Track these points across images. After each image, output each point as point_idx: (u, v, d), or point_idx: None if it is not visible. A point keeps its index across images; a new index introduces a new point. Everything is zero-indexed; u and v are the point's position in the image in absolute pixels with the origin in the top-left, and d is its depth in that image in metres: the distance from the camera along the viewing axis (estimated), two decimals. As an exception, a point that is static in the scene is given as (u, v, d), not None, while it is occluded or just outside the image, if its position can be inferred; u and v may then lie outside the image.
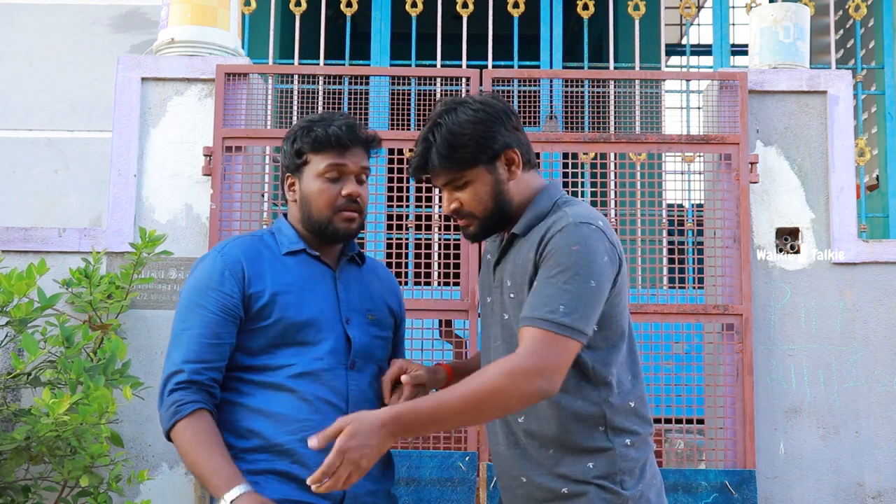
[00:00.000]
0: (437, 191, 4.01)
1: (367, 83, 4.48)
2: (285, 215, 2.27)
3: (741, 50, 7.02)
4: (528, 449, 2.04)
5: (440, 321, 3.84)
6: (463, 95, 2.10)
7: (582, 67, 5.54)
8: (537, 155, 4.08)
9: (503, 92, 4.00)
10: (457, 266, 3.83)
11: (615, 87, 4.14)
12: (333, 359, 2.12)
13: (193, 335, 2.07)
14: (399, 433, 1.82)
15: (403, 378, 2.14)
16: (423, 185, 4.01)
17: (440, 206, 4.01)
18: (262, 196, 3.95)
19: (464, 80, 4.03)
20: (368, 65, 5.71)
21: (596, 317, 1.93)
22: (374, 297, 2.26)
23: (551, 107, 5.49)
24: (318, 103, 4.22)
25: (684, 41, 7.80)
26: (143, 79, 3.94)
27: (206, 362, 2.07)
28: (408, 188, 4.26)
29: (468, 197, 2.05)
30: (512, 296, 2.04)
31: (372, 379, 2.18)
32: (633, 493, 2.00)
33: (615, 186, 4.08)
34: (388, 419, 1.81)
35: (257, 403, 2.09)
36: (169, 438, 2.08)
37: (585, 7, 5.00)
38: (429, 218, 4.04)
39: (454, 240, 3.87)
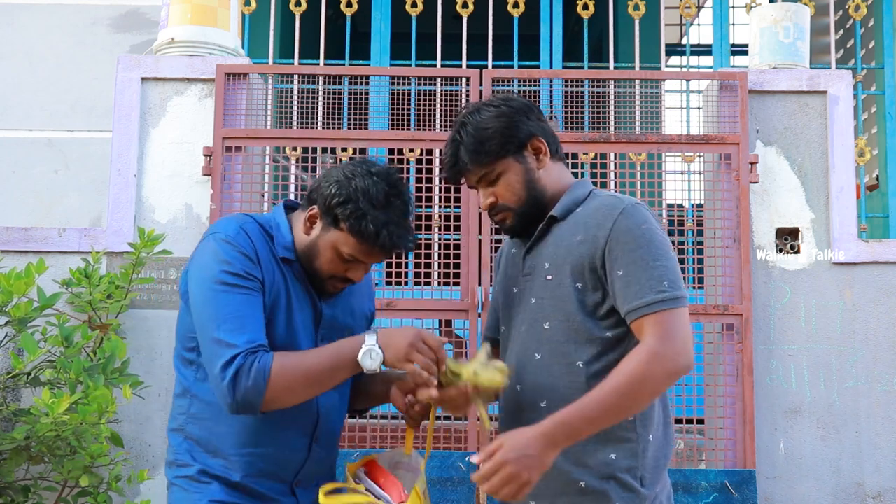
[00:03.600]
0: (437, 190, 4.00)
1: (367, 83, 4.48)
2: (287, 207, 2.18)
3: (741, 50, 7.01)
4: None
5: (440, 321, 3.83)
6: (484, 97, 2.19)
7: (582, 67, 5.54)
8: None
9: (503, 92, 3.99)
10: (457, 266, 3.83)
11: (615, 87, 4.14)
12: None
13: (244, 315, 1.95)
14: (560, 441, 1.86)
15: (409, 399, 2.11)
16: (423, 186, 4.01)
17: (440, 206, 4.01)
18: (262, 196, 3.95)
19: (464, 80, 4.03)
20: (368, 65, 5.70)
21: None
22: (354, 311, 2.23)
23: (551, 107, 5.48)
24: (318, 103, 4.22)
25: (684, 41, 7.80)
26: (143, 79, 3.94)
27: (264, 347, 1.96)
28: (408, 188, 4.25)
29: (502, 189, 2.09)
30: (549, 277, 2.04)
31: (339, 394, 2.17)
32: (650, 493, 1.98)
33: (615, 186, 4.08)
34: (547, 429, 1.85)
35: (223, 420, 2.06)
36: (265, 406, 1.94)
37: (585, 7, 5.00)
38: (429, 218, 4.04)
39: (454, 240, 3.87)
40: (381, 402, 2.29)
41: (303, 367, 1.95)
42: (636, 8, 4.80)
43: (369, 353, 1.94)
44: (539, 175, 2.10)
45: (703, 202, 4.07)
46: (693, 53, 7.11)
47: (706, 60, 7.02)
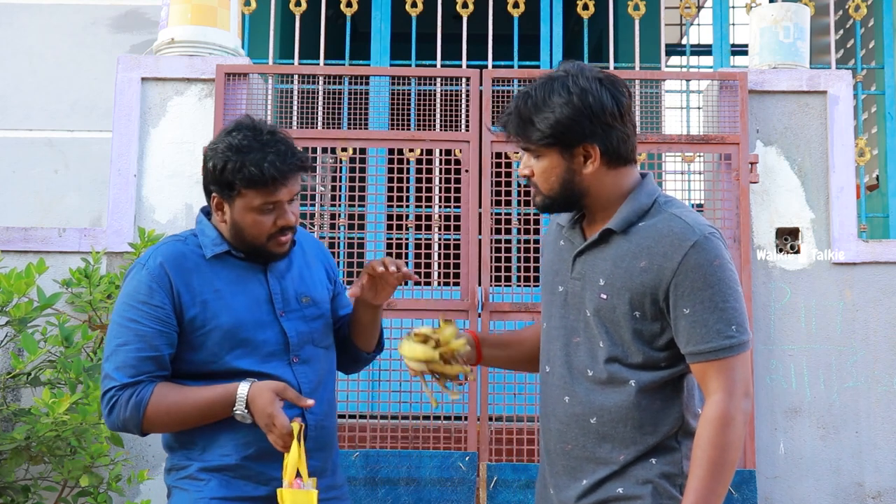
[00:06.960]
0: (436, 191, 4.00)
1: (367, 83, 4.48)
2: (206, 213, 2.25)
3: (741, 50, 7.00)
4: (599, 449, 1.98)
5: (440, 321, 3.83)
6: (581, 67, 1.98)
7: (582, 67, 5.52)
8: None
9: (503, 92, 3.99)
10: (457, 266, 3.83)
11: (615, 87, 4.13)
12: (276, 359, 2.13)
13: (130, 350, 2.05)
14: None
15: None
16: (423, 186, 4.01)
17: (440, 206, 4.01)
18: (262, 196, 3.95)
19: (464, 80, 4.03)
20: (368, 65, 5.70)
21: None
22: (304, 277, 2.25)
23: (551, 107, 5.47)
24: (318, 103, 4.22)
25: (684, 41, 7.80)
26: (143, 79, 3.94)
27: (147, 373, 2.06)
28: (408, 188, 4.26)
29: (538, 170, 1.99)
30: (604, 297, 1.95)
31: (320, 366, 2.20)
32: None
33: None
34: None
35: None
36: (144, 433, 2.11)
37: (585, 7, 5.00)
38: (429, 218, 4.04)
39: (454, 240, 3.87)
40: (375, 327, 2.32)
41: (176, 406, 2.07)
42: (636, 8, 4.80)
43: (242, 416, 2.05)
44: (582, 178, 1.96)
45: (703, 202, 4.07)
46: (693, 53, 7.10)
47: (706, 60, 7.02)
